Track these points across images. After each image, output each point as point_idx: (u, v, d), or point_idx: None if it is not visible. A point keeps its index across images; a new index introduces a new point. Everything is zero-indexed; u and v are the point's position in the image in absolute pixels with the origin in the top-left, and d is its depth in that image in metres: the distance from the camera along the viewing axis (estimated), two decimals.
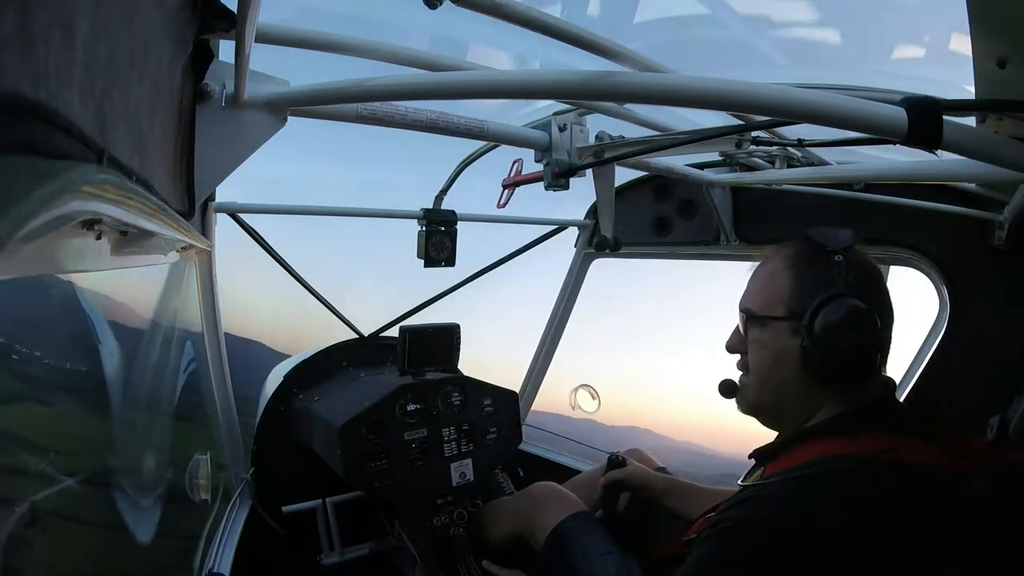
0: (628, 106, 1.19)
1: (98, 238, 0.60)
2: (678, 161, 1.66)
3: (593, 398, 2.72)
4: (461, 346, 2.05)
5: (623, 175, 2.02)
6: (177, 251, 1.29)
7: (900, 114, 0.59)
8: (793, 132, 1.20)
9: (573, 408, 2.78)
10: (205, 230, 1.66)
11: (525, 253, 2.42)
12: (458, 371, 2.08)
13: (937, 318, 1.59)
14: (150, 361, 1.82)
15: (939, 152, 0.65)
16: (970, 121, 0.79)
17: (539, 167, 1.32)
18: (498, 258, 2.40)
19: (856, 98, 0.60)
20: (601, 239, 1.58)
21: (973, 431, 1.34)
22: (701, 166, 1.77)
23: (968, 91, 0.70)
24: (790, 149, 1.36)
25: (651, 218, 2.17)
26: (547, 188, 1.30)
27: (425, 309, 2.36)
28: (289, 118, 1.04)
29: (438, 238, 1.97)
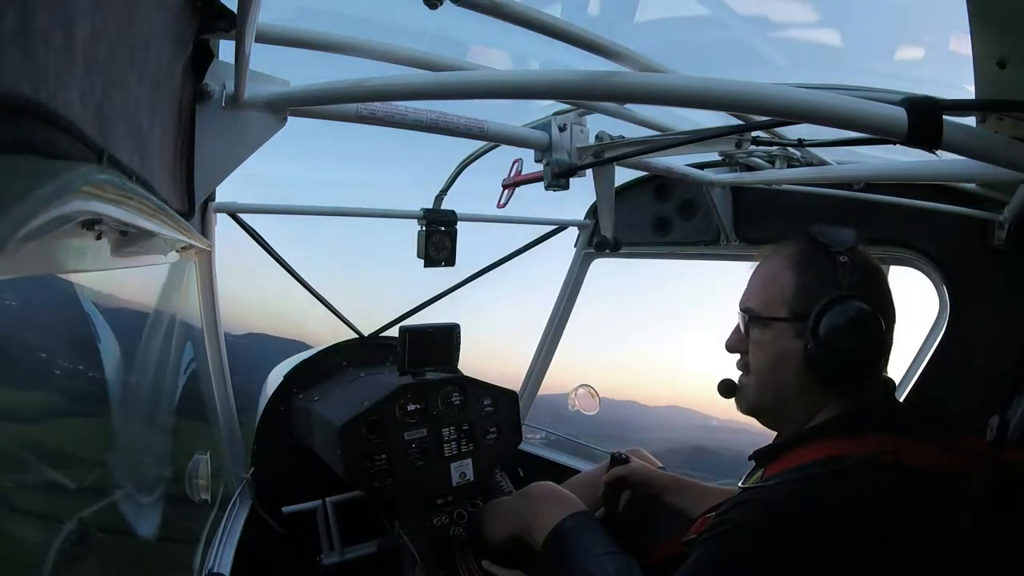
0: (628, 106, 1.19)
1: (98, 238, 0.60)
2: (678, 161, 1.66)
3: (593, 397, 2.73)
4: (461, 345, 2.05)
5: (623, 175, 2.02)
6: (177, 251, 1.29)
7: (900, 114, 0.59)
8: (793, 132, 1.20)
9: (572, 408, 2.78)
10: (205, 230, 1.66)
11: (525, 253, 2.42)
12: (458, 371, 2.08)
13: (937, 318, 1.59)
14: (150, 361, 1.82)
15: (939, 152, 0.65)
16: (970, 121, 0.79)
17: (539, 167, 1.32)
18: (498, 258, 2.40)
19: (856, 98, 0.60)
20: (601, 239, 1.58)
21: (973, 431, 1.35)
22: (701, 166, 1.77)
23: (968, 91, 0.70)
24: (790, 149, 1.36)
25: (651, 218, 2.17)
26: (547, 188, 1.30)
27: (425, 309, 2.37)
28: (289, 118, 1.04)
29: (438, 238, 1.97)
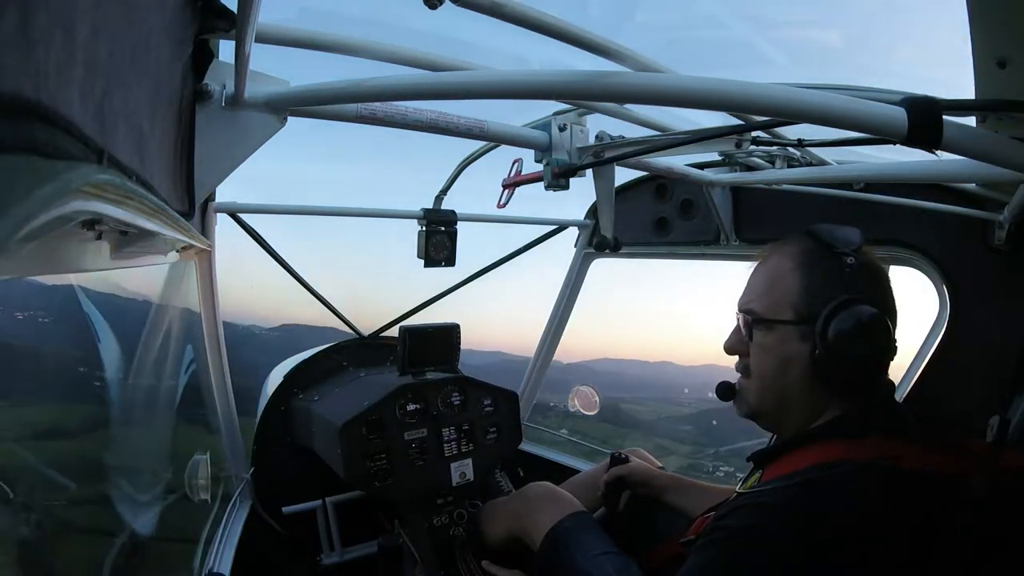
0: (628, 106, 1.19)
1: (98, 238, 0.60)
2: (678, 161, 1.66)
3: (593, 397, 2.74)
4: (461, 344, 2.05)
5: (623, 175, 2.02)
6: (177, 251, 1.29)
7: (900, 114, 0.59)
8: (793, 132, 1.20)
9: (572, 409, 2.78)
10: (205, 230, 1.66)
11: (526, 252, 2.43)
12: (458, 371, 2.08)
13: (937, 318, 1.59)
14: (150, 361, 1.82)
15: (939, 152, 0.65)
16: (970, 121, 0.79)
17: (539, 167, 1.32)
18: (498, 258, 2.40)
19: (856, 98, 0.60)
20: (601, 239, 1.58)
21: (973, 431, 1.34)
22: (701, 166, 1.77)
23: (968, 91, 0.70)
24: (790, 149, 1.36)
25: (651, 218, 2.17)
26: (547, 188, 1.30)
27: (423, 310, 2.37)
28: (289, 118, 1.04)
29: (438, 238, 1.97)
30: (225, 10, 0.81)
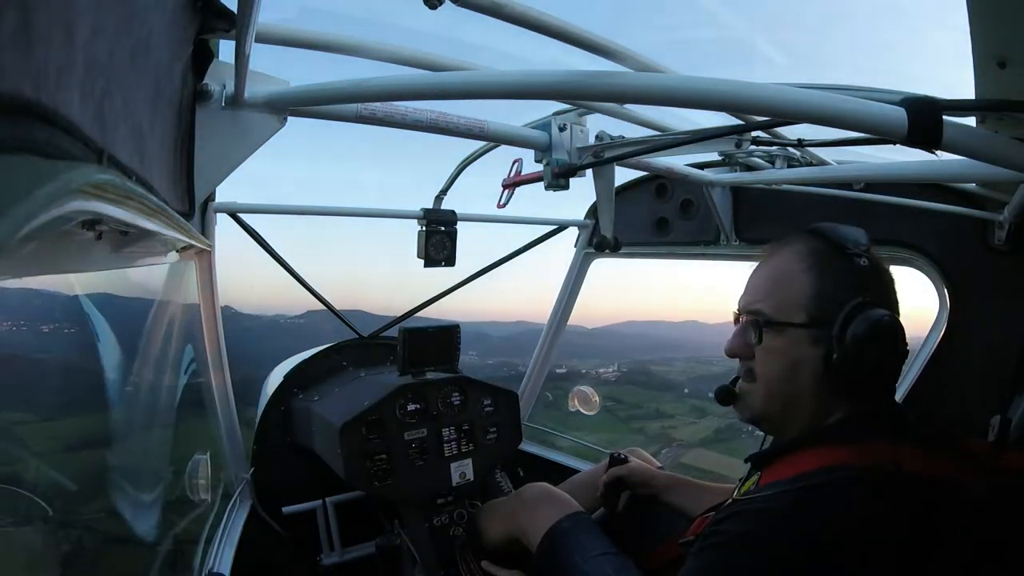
0: (628, 106, 1.19)
1: (98, 238, 0.60)
2: (678, 161, 1.66)
3: (592, 397, 2.74)
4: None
5: (623, 175, 2.02)
6: (177, 251, 1.29)
7: (900, 114, 0.59)
8: (793, 132, 1.20)
9: (572, 409, 2.79)
10: (205, 230, 1.66)
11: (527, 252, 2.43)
12: (458, 371, 2.08)
13: (937, 318, 1.59)
14: (150, 361, 1.82)
15: (939, 152, 0.65)
16: (970, 121, 0.79)
17: (539, 167, 1.32)
18: (498, 258, 2.40)
19: (856, 98, 0.60)
20: (601, 239, 1.58)
21: (973, 431, 1.34)
22: (701, 166, 1.77)
23: (968, 91, 0.70)
24: (790, 149, 1.36)
25: (651, 218, 2.17)
26: (547, 188, 1.30)
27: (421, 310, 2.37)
28: (289, 118, 1.04)
29: (438, 238, 1.97)
30: (225, 10, 0.81)
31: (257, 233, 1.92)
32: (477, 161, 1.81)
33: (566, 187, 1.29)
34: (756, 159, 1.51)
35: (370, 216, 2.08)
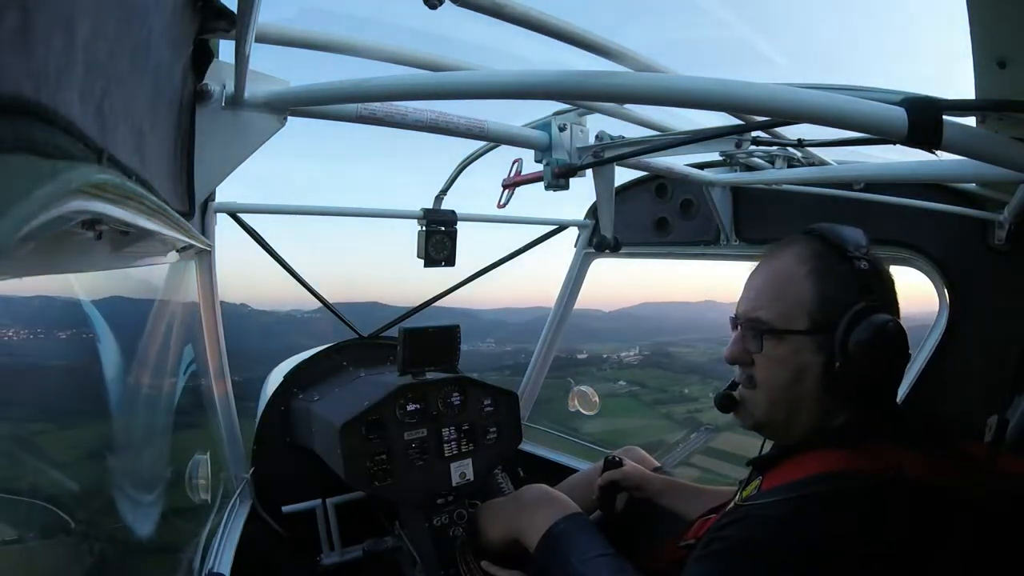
0: (628, 106, 1.19)
1: (98, 238, 0.60)
2: (678, 161, 1.66)
3: (592, 398, 2.74)
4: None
5: (623, 175, 2.02)
6: (177, 251, 1.29)
7: (900, 114, 0.59)
8: (793, 132, 1.20)
9: (572, 409, 2.79)
10: (205, 230, 1.66)
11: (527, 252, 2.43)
12: (458, 371, 2.08)
13: (937, 318, 1.59)
14: (150, 361, 1.82)
15: (939, 152, 0.65)
16: (970, 121, 0.79)
17: (539, 167, 1.32)
18: (498, 258, 2.41)
19: (856, 98, 0.60)
20: (601, 239, 1.58)
21: (973, 431, 1.34)
22: (701, 166, 1.77)
23: (968, 91, 0.70)
24: (790, 149, 1.36)
25: (651, 218, 2.17)
26: (547, 188, 1.30)
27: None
28: (289, 118, 1.04)
29: (438, 238, 1.97)
30: (225, 10, 0.81)
31: (257, 233, 1.92)
32: (477, 161, 1.81)
33: (566, 187, 1.29)
34: (756, 159, 1.51)
35: (370, 216, 2.08)
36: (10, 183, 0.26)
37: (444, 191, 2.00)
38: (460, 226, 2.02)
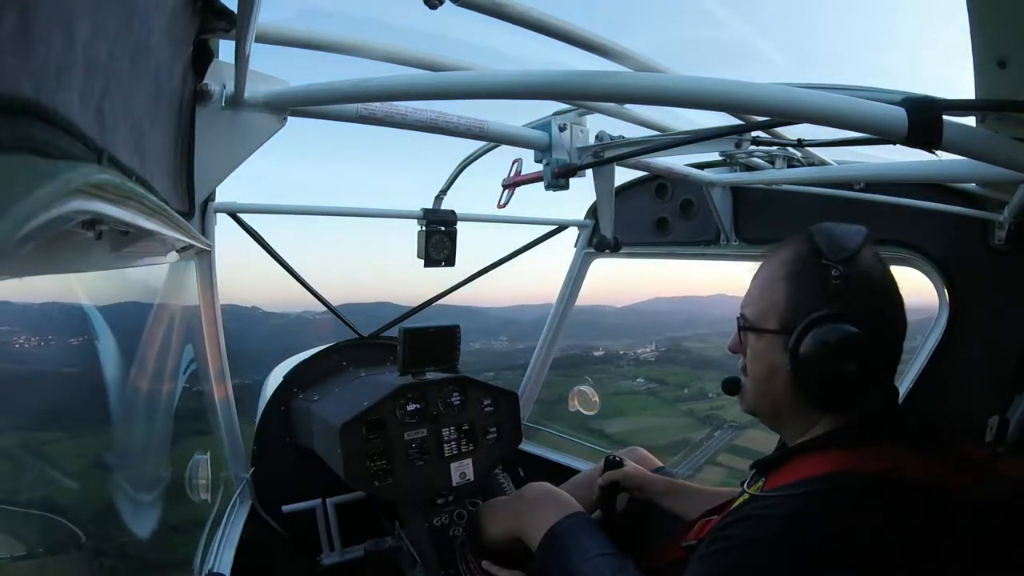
0: (628, 106, 1.19)
1: (98, 238, 0.60)
2: (678, 161, 1.66)
3: (592, 397, 2.74)
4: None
5: (623, 175, 2.02)
6: (177, 251, 1.29)
7: (900, 114, 0.59)
8: (793, 132, 1.20)
9: (572, 409, 2.79)
10: (205, 230, 1.66)
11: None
12: (458, 371, 2.08)
13: (937, 318, 1.59)
14: (150, 361, 1.82)
15: (939, 152, 0.65)
16: (970, 121, 0.79)
17: (539, 167, 1.32)
18: (498, 258, 2.41)
19: (856, 98, 0.60)
20: (601, 239, 1.58)
21: (972, 431, 1.34)
22: (701, 166, 1.77)
23: (968, 91, 0.70)
24: (790, 149, 1.36)
25: (651, 218, 2.17)
26: (547, 188, 1.30)
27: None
28: (289, 118, 1.04)
29: (438, 238, 1.97)
30: (225, 10, 0.81)
31: (257, 233, 1.92)
32: (477, 161, 1.81)
33: (566, 187, 1.29)
34: (756, 159, 1.51)
35: (370, 216, 2.08)
36: (10, 183, 0.26)
37: (444, 191, 2.00)
38: (460, 226, 2.02)
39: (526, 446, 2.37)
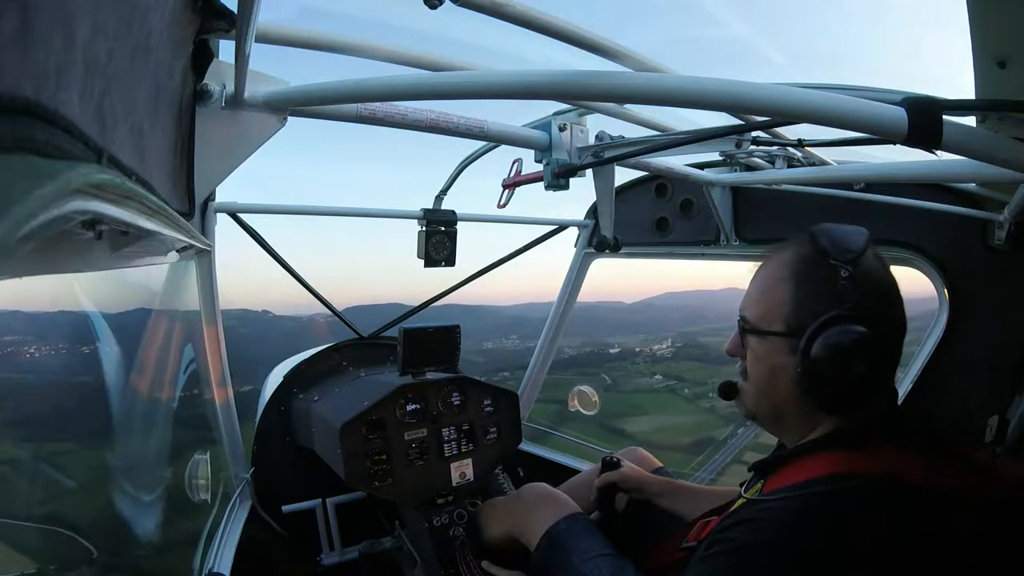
0: (628, 106, 1.19)
1: (98, 238, 0.60)
2: (678, 161, 1.66)
3: (592, 397, 2.74)
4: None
5: (623, 175, 2.02)
6: (177, 251, 1.29)
7: (900, 114, 0.59)
8: (793, 132, 1.20)
9: (572, 410, 2.79)
10: (205, 230, 1.66)
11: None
12: (458, 371, 2.08)
13: (937, 318, 1.59)
14: (150, 361, 1.82)
15: (939, 152, 0.65)
16: (970, 121, 0.79)
17: (539, 167, 1.32)
18: (498, 258, 2.41)
19: (856, 98, 0.60)
20: (601, 239, 1.58)
21: (972, 431, 1.34)
22: (701, 166, 1.77)
23: (968, 91, 0.70)
24: (790, 149, 1.36)
25: (651, 218, 2.18)
26: (547, 188, 1.30)
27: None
28: (289, 118, 1.04)
29: (438, 238, 1.97)
30: (225, 10, 0.81)
31: (257, 233, 1.92)
32: (477, 161, 1.81)
33: (566, 187, 1.29)
34: (756, 159, 1.51)
35: (370, 216, 2.08)
36: (10, 183, 0.26)
37: (444, 191, 2.00)
38: (460, 226, 2.02)
39: (526, 446, 2.37)
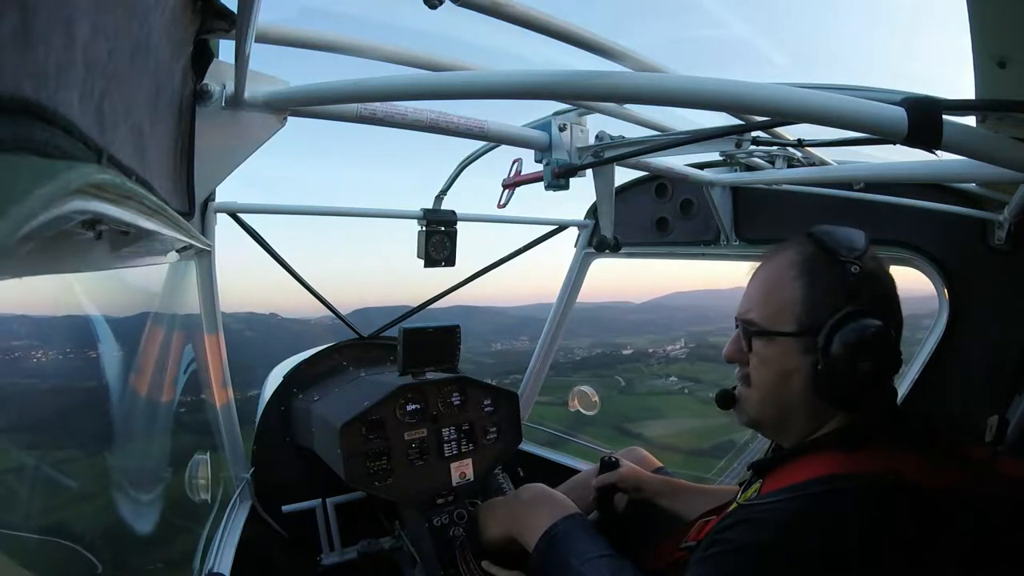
0: (628, 106, 1.19)
1: (98, 238, 0.60)
2: (678, 161, 1.66)
3: (592, 397, 2.74)
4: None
5: (623, 175, 2.02)
6: (177, 251, 1.29)
7: (900, 114, 0.59)
8: (793, 132, 1.20)
9: (572, 410, 2.79)
10: (205, 230, 1.66)
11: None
12: (458, 371, 2.08)
13: (937, 318, 1.59)
14: (150, 361, 1.82)
15: (939, 152, 0.65)
16: (970, 121, 0.79)
17: (539, 167, 1.32)
18: (498, 258, 2.41)
19: (856, 98, 0.60)
20: (601, 239, 1.58)
21: (972, 431, 1.34)
22: (701, 166, 1.77)
23: (968, 91, 0.70)
24: (790, 149, 1.36)
25: (651, 218, 2.18)
26: (547, 188, 1.30)
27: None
28: (289, 118, 1.04)
29: (438, 238, 1.97)
30: (225, 10, 0.81)
31: (257, 233, 1.92)
32: (477, 161, 1.81)
33: (566, 187, 1.29)
34: (756, 159, 1.51)
35: (370, 216, 2.08)
36: (10, 183, 0.26)
37: (444, 191, 2.00)
38: (460, 226, 2.02)
39: (526, 446, 2.37)
